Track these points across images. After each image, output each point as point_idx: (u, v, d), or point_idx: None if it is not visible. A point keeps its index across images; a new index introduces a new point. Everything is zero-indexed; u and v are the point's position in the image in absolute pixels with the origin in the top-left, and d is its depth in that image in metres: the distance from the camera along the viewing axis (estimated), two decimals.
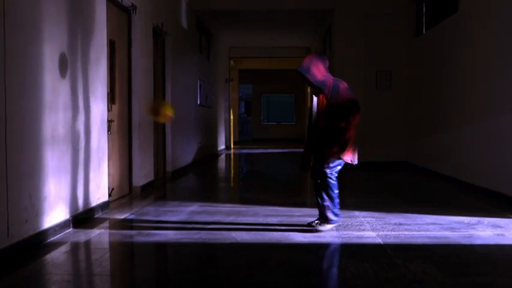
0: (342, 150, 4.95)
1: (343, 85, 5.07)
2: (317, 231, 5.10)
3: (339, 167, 5.10)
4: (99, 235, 5.12)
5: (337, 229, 5.24)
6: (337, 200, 5.12)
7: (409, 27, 11.49)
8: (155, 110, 5.50)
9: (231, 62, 20.47)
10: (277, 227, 5.33)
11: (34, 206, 4.51)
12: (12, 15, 4.18)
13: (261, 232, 5.15)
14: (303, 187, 9.52)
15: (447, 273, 3.89)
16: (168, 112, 5.25)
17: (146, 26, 8.06)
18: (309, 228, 5.18)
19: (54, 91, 4.89)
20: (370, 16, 11.68)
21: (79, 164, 5.48)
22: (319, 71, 5.03)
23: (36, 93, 4.58)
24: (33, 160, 4.51)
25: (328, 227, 5.13)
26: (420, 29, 11.03)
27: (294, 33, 16.87)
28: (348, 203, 6.51)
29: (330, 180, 5.06)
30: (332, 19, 12.30)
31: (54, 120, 4.89)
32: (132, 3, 7.35)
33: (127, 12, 7.41)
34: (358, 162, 5.10)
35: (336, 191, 5.10)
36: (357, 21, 11.74)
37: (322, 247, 4.75)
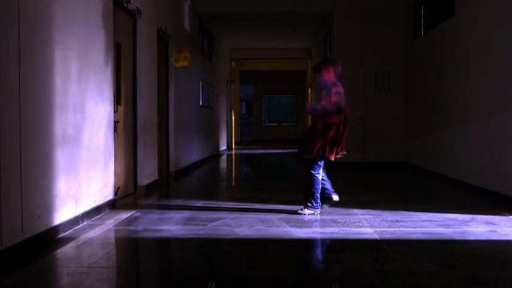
0: (312, 146, 5.81)
1: (335, 89, 5.81)
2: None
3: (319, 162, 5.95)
4: (107, 231, 5.32)
5: (336, 225, 5.45)
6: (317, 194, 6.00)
7: (408, 29, 11.68)
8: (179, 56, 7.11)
9: (233, 63, 20.65)
10: (277, 224, 5.54)
11: (46, 203, 4.72)
12: (25, 18, 4.37)
13: (262, 228, 5.36)
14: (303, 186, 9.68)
15: (439, 265, 4.09)
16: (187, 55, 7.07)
17: (151, 30, 8.27)
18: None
19: (64, 93, 5.10)
20: (370, 19, 11.86)
21: (87, 164, 5.69)
22: (327, 74, 5.88)
23: (48, 95, 4.79)
24: (45, 160, 4.72)
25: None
26: (419, 31, 11.22)
27: (294, 35, 17.02)
28: (347, 201, 6.72)
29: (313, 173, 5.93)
30: (332, 21, 12.48)
31: (64, 121, 5.11)
32: (137, 8, 7.56)
33: (132, 16, 7.62)
34: (335, 160, 6.00)
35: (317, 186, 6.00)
36: (357, 23, 11.91)
37: (321, 242, 4.96)
